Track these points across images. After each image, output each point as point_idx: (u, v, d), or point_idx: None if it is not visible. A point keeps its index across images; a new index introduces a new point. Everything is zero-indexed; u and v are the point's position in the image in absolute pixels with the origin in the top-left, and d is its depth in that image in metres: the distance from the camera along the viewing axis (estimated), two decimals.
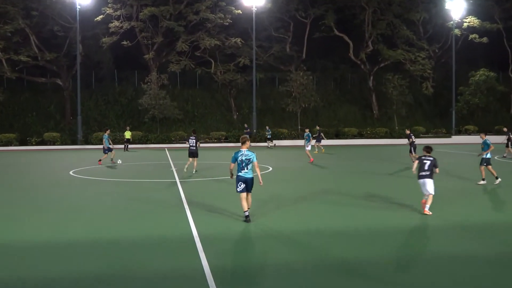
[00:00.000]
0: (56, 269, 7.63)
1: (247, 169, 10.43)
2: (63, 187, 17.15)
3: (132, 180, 18.79)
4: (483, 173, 16.81)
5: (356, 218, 11.25)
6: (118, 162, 26.26)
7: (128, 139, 39.69)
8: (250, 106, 52.11)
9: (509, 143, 28.23)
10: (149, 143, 45.24)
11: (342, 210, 12.20)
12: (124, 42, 49.52)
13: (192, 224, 10.46)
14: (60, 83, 51.01)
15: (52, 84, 52.76)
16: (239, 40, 50.05)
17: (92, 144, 44.42)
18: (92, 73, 55.09)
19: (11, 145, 43.44)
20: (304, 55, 54.90)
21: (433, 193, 11.67)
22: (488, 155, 16.79)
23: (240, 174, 10.47)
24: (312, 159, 26.08)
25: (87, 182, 18.33)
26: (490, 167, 16.80)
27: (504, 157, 28.57)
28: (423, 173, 11.69)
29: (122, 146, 39.56)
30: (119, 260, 7.99)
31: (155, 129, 48.70)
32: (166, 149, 40.43)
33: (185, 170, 20.79)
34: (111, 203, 13.53)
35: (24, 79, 52.77)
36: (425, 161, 11.81)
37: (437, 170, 11.82)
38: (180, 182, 17.58)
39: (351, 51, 55.17)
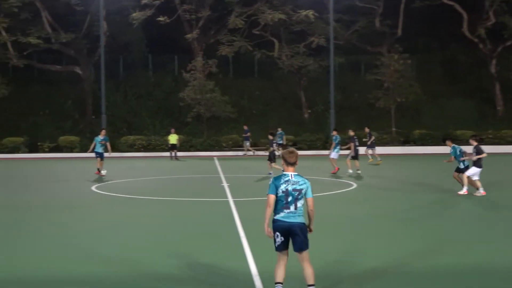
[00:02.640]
0: None
1: (294, 208, 7.89)
2: (82, 207, 17.67)
3: (171, 199, 19.13)
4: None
5: None
6: (103, 172, 27.09)
7: (173, 145, 40.53)
8: (326, 101, 51.83)
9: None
10: (193, 150, 45.89)
11: None
12: (161, 18, 50.39)
13: (250, 258, 10.51)
14: (79, 71, 52.69)
15: (68, 73, 54.61)
16: (311, 13, 49.97)
17: (120, 150, 45.53)
18: (120, 59, 56.60)
19: (18, 152, 45.29)
20: (399, 32, 54.15)
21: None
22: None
23: (278, 217, 7.91)
24: (337, 168, 27.13)
25: (114, 201, 18.83)
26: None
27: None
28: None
29: (168, 153, 40.78)
30: None
31: (200, 131, 49.35)
32: (215, 158, 40.91)
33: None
34: (144, 229, 13.82)
35: (34, 67, 54.97)
36: None
37: None
38: (234, 202, 17.73)
39: (465, 25, 53.89)
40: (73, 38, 51.16)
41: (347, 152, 28.37)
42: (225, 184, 22.92)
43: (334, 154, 27.58)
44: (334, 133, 29.07)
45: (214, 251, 11.33)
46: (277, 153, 41.14)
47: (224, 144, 46.72)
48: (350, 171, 26.65)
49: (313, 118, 52.78)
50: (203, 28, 52.92)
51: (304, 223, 7.98)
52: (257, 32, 52.01)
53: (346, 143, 28.73)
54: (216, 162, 36.47)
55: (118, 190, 21.31)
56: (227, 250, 11.43)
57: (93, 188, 22.16)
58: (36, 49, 51.34)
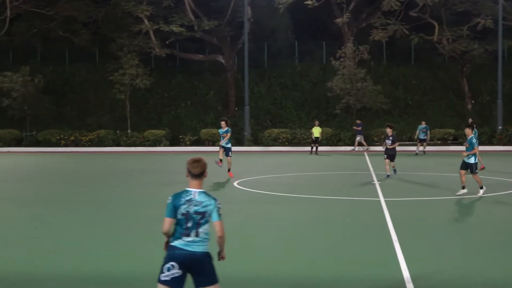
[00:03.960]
0: None
1: (196, 235, 6.71)
2: (223, 203, 18.17)
3: (316, 197, 19.18)
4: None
5: None
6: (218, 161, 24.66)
7: (316, 138, 40.73)
8: (492, 90, 49.95)
9: None
10: (341, 145, 45.77)
11: None
12: (308, 2, 50.46)
13: (402, 263, 10.38)
14: (222, 61, 54.17)
15: (211, 62, 56.32)
16: None
17: (263, 145, 46.35)
18: (264, 46, 57.55)
19: (160, 145, 47.46)
20: None
21: None
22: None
23: (176, 243, 6.72)
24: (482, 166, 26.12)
25: (256, 197, 19.23)
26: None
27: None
28: None
29: (309, 148, 41.12)
30: None
31: (350, 124, 49.15)
32: (365, 153, 40.59)
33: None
34: (286, 229, 13.97)
35: (176, 56, 57.20)
36: None
37: None
38: (386, 202, 17.50)
39: None
40: (216, 26, 52.54)
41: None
42: (376, 182, 22.67)
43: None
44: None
45: (364, 254, 11.30)
46: (421, 149, 40.08)
47: (375, 138, 46.15)
48: None
49: (477, 110, 50.95)
50: (354, 11, 52.57)
51: (208, 253, 6.74)
52: (415, 14, 50.91)
53: None
54: (367, 157, 36.14)
55: (260, 187, 21.67)
56: (378, 254, 11.33)
57: (235, 184, 22.71)
58: (178, 38, 53.36)
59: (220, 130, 26.00)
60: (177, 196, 6.75)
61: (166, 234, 6.74)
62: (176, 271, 6.55)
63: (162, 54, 53.09)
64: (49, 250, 11.82)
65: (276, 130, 47.50)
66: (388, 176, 23.97)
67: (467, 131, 19.10)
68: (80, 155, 42.56)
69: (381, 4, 50.55)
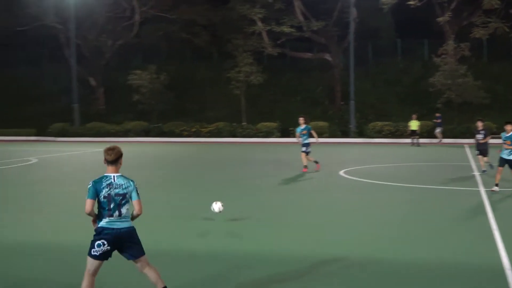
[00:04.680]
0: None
1: (119, 214, 7.00)
2: (328, 190, 18.42)
3: (417, 186, 18.93)
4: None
5: None
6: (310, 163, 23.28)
7: (414, 131, 40.11)
8: None
9: None
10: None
11: None
12: (411, 2, 49.53)
13: (502, 251, 10.10)
14: (329, 59, 54.06)
15: (319, 60, 56.27)
16: None
17: (368, 136, 46.00)
18: (369, 45, 56.96)
19: (272, 136, 47.96)
20: None
21: None
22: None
23: (104, 224, 6.99)
24: None
25: (359, 186, 19.21)
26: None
27: None
28: None
29: (409, 140, 40.82)
30: None
31: (450, 117, 47.89)
32: (465, 145, 39.53)
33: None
34: (386, 216, 13.95)
35: (286, 55, 57.57)
36: None
37: None
38: (486, 192, 17.04)
39: None
40: (324, 26, 52.54)
41: None
42: (476, 173, 22.07)
43: None
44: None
45: (462, 241, 11.12)
46: None
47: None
48: None
49: None
50: (455, 10, 51.11)
51: (132, 227, 7.09)
52: None
53: None
54: (467, 150, 35.19)
55: (364, 176, 21.60)
56: (476, 241, 11.10)
57: (341, 173, 22.71)
58: (288, 38, 53.76)
59: (298, 129, 23.85)
60: (98, 181, 6.99)
61: (89, 214, 6.97)
62: (106, 248, 6.89)
63: (274, 53, 53.62)
64: (173, 228, 12.35)
65: (379, 123, 46.98)
66: (484, 171, 22.28)
67: (508, 127, 17.25)
68: (200, 145, 43.65)
69: (482, 3, 48.96)
